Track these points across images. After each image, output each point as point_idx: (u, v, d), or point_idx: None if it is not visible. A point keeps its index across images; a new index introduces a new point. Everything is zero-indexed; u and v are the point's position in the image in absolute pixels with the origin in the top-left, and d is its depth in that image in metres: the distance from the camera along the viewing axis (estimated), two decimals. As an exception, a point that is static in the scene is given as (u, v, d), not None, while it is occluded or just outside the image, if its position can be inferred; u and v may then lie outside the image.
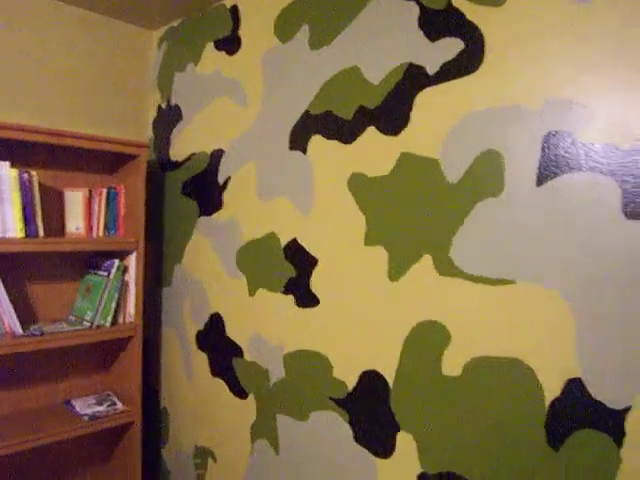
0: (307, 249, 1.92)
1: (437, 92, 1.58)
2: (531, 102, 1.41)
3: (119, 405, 2.29)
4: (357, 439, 1.78)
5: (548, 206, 1.39)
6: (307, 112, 1.92)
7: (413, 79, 1.63)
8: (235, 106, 2.18)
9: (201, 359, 2.36)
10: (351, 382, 1.80)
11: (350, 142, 1.79)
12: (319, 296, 1.88)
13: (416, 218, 1.63)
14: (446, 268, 1.57)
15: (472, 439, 1.52)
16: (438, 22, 1.59)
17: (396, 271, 1.68)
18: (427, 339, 1.62)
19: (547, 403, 1.39)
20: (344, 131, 1.81)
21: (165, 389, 2.59)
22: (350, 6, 1.80)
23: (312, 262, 1.91)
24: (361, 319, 1.77)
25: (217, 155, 2.26)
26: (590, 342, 1.34)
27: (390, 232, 1.70)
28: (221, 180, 2.24)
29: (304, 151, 1.93)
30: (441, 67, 1.57)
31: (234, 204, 2.19)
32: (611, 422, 1.30)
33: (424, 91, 1.61)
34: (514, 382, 1.45)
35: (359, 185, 1.77)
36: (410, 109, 1.64)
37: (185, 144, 2.46)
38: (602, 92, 1.30)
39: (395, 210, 1.68)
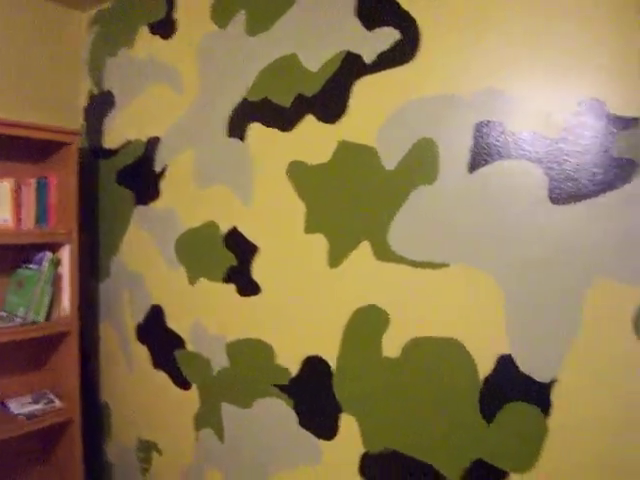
0: (247, 237, 1.90)
1: (374, 81, 1.60)
2: (464, 92, 1.46)
3: (57, 402, 2.21)
4: (302, 423, 1.80)
5: (480, 192, 1.44)
6: (245, 99, 1.89)
7: (350, 68, 1.64)
8: (171, 92, 2.12)
9: (142, 352, 2.30)
10: (294, 368, 1.81)
11: (289, 130, 1.78)
12: (260, 284, 1.88)
13: (355, 205, 1.65)
14: (384, 253, 1.60)
15: (412, 417, 1.57)
16: (375, 11, 1.60)
17: (336, 258, 1.70)
18: (367, 323, 1.65)
19: (481, 379, 1.46)
20: (283, 119, 1.80)
21: (105, 384, 2.52)
22: (286, -8, 1.79)
23: (252, 250, 1.89)
24: (303, 306, 1.78)
25: (153, 143, 2.20)
26: (519, 320, 1.40)
27: (330, 219, 1.71)
28: (158, 168, 2.18)
29: (242, 138, 1.90)
30: (378, 56, 1.59)
31: (172, 193, 2.14)
32: (539, 394, 1.38)
33: (361, 80, 1.62)
34: (450, 360, 1.51)
35: (298, 173, 1.77)
36: (348, 97, 1.65)
37: (119, 131, 2.37)
38: (530, 83, 1.36)
39: (334, 197, 1.70)
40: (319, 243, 1.73)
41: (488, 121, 1.42)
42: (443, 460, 1.53)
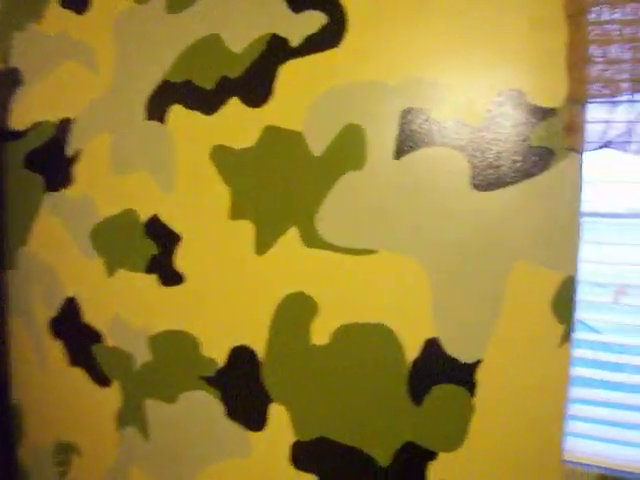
0: (169, 225, 1.81)
1: (300, 65, 1.56)
2: (390, 78, 1.45)
3: (-42, 406, 2.03)
4: (230, 415, 1.75)
5: (406, 179, 1.45)
6: (165, 80, 1.79)
7: (276, 50, 1.59)
8: (85, 71, 1.97)
9: (56, 348, 2.15)
10: (221, 359, 1.75)
11: (212, 113, 1.70)
12: (184, 273, 1.80)
13: (282, 191, 1.61)
14: (312, 240, 1.58)
15: (342, 403, 1.57)
16: (300, -7, 1.56)
17: (263, 244, 1.66)
18: (295, 311, 1.62)
19: (409, 363, 1.48)
20: (205, 101, 1.72)
21: (16, 384, 2.34)
22: (209, -31, 1.70)
23: (175, 239, 1.81)
24: (229, 295, 1.72)
25: (65, 125, 2.03)
26: (444, 304, 1.43)
27: (256, 205, 1.66)
28: (70, 152, 2.02)
29: (162, 122, 1.80)
30: (305, 40, 1.55)
31: (86, 179, 1.99)
32: (464, 375, 1.41)
33: (287, 63, 1.58)
34: (379, 345, 1.51)
35: (223, 157, 1.70)
36: (273, 81, 1.60)
37: (27, 112, 2.18)
38: (454, 72, 1.37)
39: (261, 183, 1.65)
40: (245, 230, 1.68)
41: (412, 108, 1.43)
42: (373, 444, 1.54)
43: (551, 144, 1.29)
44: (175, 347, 1.82)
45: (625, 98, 1.16)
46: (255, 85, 1.63)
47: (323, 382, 1.59)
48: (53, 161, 2.04)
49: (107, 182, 1.92)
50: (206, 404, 1.78)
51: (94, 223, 1.96)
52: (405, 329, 1.48)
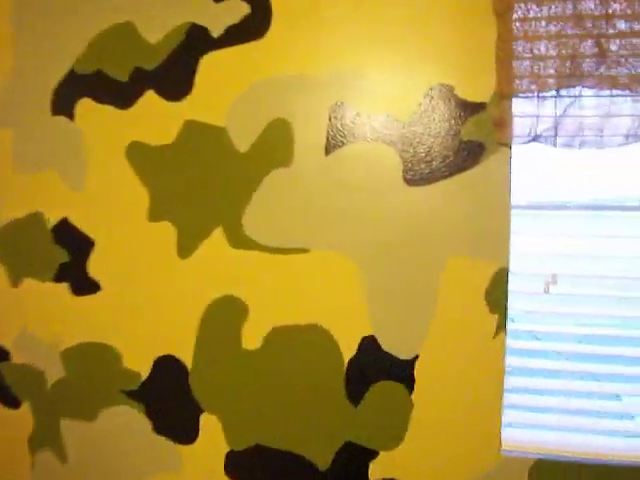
0: (81, 229, 1.65)
1: (223, 56, 1.47)
2: (318, 72, 1.40)
3: None
4: (157, 429, 1.63)
5: (337, 175, 1.41)
6: (72, 71, 1.63)
7: (196, 41, 1.49)
8: None
9: None
10: (145, 370, 1.62)
11: (127, 107, 1.57)
12: (100, 281, 1.65)
13: (205, 190, 1.51)
14: (239, 240, 1.50)
15: (277, 408, 1.50)
16: (220, -20, 1.47)
17: (186, 247, 1.55)
18: (224, 315, 1.53)
19: (345, 363, 1.44)
20: (119, 94, 1.58)
21: None
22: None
23: (88, 243, 1.65)
24: (151, 302, 1.59)
25: None
26: (379, 300, 1.40)
27: (177, 206, 1.55)
28: None
29: (71, 117, 1.64)
30: (226, 30, 1.46)
31: None
32: (402, 371, 1.40)
33: (209, 55, 1.48)
34: (314, 346, 1.46)
35: (139, 155, 1.57)
36: (194, 74, 1.50)
37: None
38: (384, 65, 1.35)
39: (182, 182, 1.53)
40: (166, 232, 1.56)
41: (342, 102, 1.39)
42: (312, 448, 1.49)
43: (481, 138, 1.29)
44: (92, 361, 1.67)
45: (552, 93, 1.19)
46: (174, 78, 1.51)
47: (256, 388, 1.52)
48: (-61, 160, 1.81)
49: (8, 182, 1.72)
50: (130, 419, 1.64)
51: (-6, 229, 1.76)
52: (341, 328, 1.44)
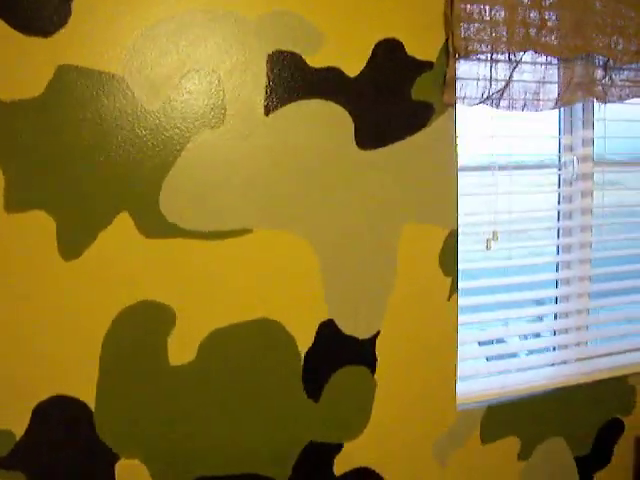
0: None
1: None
2: (248, 12, 1.12)
3: None
4: (43, 503, 1.14)
5: (280, 138, 1.16)
6: None
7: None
8: None
9: None
10: (20, 426, 1.10)
11: (-54, 39, 0.99)
12: None
13: (98, 162, 1.08)
14: (155, 227, 1.12)
15: (222, 427, 1.21)
16: None
17: (72, 243, 1.08)
18: (139, 327, 1.14)
19: (302, 356, 1.24)
20: None
21: None
22: None
23: None
24: (26, 329, 1.07)
25: None
26: (336, 280, 1.24)
27: (54, 187, 1.06)
28: None
29: None
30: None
31: None
32: (364, 352, 1.28)
33: (88, -28, 1.03)
34: (264, 344, 1.22)
35: (-18, 115, 1.02)
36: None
37: None
38: (331, 13, 1.16)
39: (58, 152, 1.06)
40: (40, 225, 1.06)
41: (282, 51, 1.14)
42: (267, 462, 1.25)
43: (430, 99, 1.23)
44: None
45: (501, 57, 1.20)
46: (38, 2, 1.01)
47: (191, 408, 1.18)
48: None
49: None
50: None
51: None
52: (294, 318, 1.22)
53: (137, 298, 1.13)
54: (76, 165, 1.07)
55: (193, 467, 1.21)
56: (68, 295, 1.10)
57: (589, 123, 1.48)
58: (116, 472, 1.16)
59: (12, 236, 1.05)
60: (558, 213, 1.50)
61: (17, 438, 1.10)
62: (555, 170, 1.51)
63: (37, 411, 1.11)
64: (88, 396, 1.13)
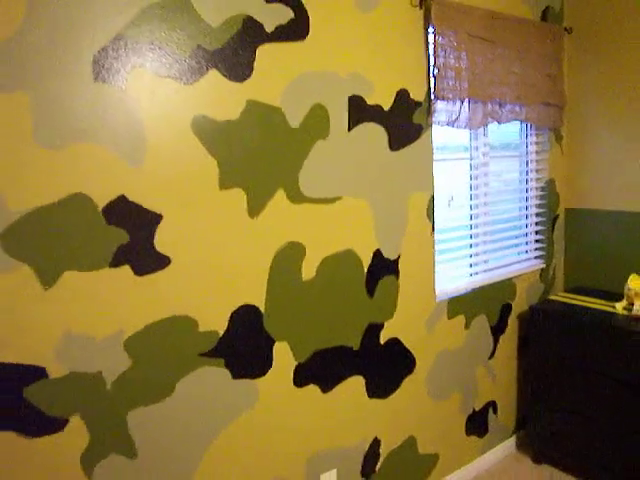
0: (144, 205, 1.46)
1: (275, 49, 1.68)
2: (341, 72, 1.84)
3: None
4: (235, 375, 1.70)
5: (355, 144, 1.92)
6: (121, 36, 1.39)
7: (253, 31, 1.62)
8: None
9: None
10: (221, 327, 1.65)
11: (191, 83, 1.51)
12: (169, 255, 1.53)
13: (268, 158, 1.70)
14: (297, 197, 1.79)
15: (325, 318, 1.90)
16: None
17: (255, 208, 1.69)
18: (288, 258, 1.79)
19: (365, 271, 1.99)
20: (180, 69, 1.50)
21: None
22: None
23: (153, 219, 1.49)
24: (224, 263, 1.64)
25: None
26: (380, 225, 2.04)
27: (245, 174, 1.66)
28: None
29: (121, 85, 1.41)
30: (276, 28, 1.67)
31: None
32: (393, 267, 2.08)
33: (264, 46, 1.65)
34: (348, 265, 1.95)
35: (206, 129, 1.56)
36: (253, 60, 1.63)
37: None
38: (375, 75, 1.93)
39: (248, 153, 1.66)
40: (237, 198, 1.65)
41: (355, 95, 1.89)
42: (349, 338, 1.98)
43: (421, 122, 2.09)
44: (164, 338, 1.55)
45: (458, 98, 2.10)
46: (235, 61, 1.60)
47: (312, 309, 1.86)
48: None
49: (30, 160, 1.29)
50: (210, 377, 1.65)
51: (7, 222, 1.28)
52: (362, 249, 1.98)
53: (287, 239, 1.78)
54: (256, 160, 1.68)
55: (312, 344, 1.89)
56: (251, 240, 1.70)
57: (487, 132, 2.51)
58: (274, 349, 1.79)
59: (223, 203, 1.63)
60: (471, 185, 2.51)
61: (220, 335, 1.67)
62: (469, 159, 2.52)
63: (232, 316, 1.69)
64: (261, 304, 1.74)
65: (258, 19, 1.64)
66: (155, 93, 1.48)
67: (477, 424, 2.57)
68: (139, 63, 1.44)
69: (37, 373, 1.37)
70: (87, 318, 1.43)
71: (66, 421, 1.42)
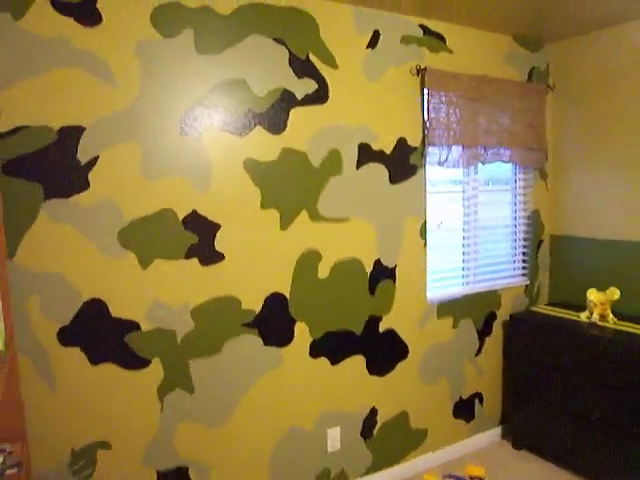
0: (209, 218, 2.11)
1: (303, 111, 2.31)
2: (352, 125, 2.45)
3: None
4: (265, 343, 2.29)
5: (362, 179, 2.51)
6: (198, 105, 2.06)
7: (288, 99, 2.26)
8: (98, 82, 1.85)
9: (71, 356, 1.91)
10: (258, 307, 2.26)
11: (242, 135, 2.16)
12: (224, 252, 2.16)
13: (296, 188, 2.32)
14: (316, 217, 2.39)
15: (335, 307, 2.47)
16: (301, 66, 2.29)
17: (285, 223, 2.31)
18: (308, 261, 2.38)
19: (368, 275, 2.56)
20: (235, 126, 2.15)
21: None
22: (235, 31, 2.14)
23: (214, 227, 2.13)
24: (261, 261, 2.26)
25: (73, 132, 1.82)
26: (381, 240, 2.60)
27: (279, 199, 2.28)
28: (84, 159, 1.84)
29: (198, 138, 2.08)
30: (305, 95, 2.30)
31: (108, 184, 1.90)
32: (391, 274, 2.64)
33: (295, 109, 2.28)
34: (354, 270, 2.52)
35: (253, 167, 2.20)
36: (287, 119, 2.26)
37: (3, 114, 1.72)
38: (381, 127, 2.53)
39: (281, 184, 2.28)
40: (273, 215, 2.27)
41: (363, 142, 2.49)
42: (353, 324, 2.54)
43: (416, 163, 2.67)
44: (218, 310, 2.17)
45: (446, 144, 2.66)
46: (274, 120, 2.24)
47: (326, 300, 2.44)
48: (57, 167, 1.82)
49: (136, 187, 1.97)
50: (247, 341, 2.25)
51: (121, 225, 1.95)
52: (365, 258, 2.55)
53: (308, 247, 2.38)
54: (288, 190, 2.30)
55: (324, 326, 2.46)
56: (281, 246, 2.31)
57: (477, 170, 3.04)
58: (295, 327, 2.38)
59: (262, 219, 2.25)
60: (463, 213, 3.04)
61: (256, 313, 2.27)
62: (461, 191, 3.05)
63: (266, 300, 2.29)
64: (287, 292, 2.34)
65: (292, 90, 2.29)
66: (219, 142, 2.13)
67: (464, 410, 3.04)
68: (209, 122, 2.11)
69: (134, 326, 2.02)
70: (168, 292, 2.07)
71: (149, 361, 2.06)
